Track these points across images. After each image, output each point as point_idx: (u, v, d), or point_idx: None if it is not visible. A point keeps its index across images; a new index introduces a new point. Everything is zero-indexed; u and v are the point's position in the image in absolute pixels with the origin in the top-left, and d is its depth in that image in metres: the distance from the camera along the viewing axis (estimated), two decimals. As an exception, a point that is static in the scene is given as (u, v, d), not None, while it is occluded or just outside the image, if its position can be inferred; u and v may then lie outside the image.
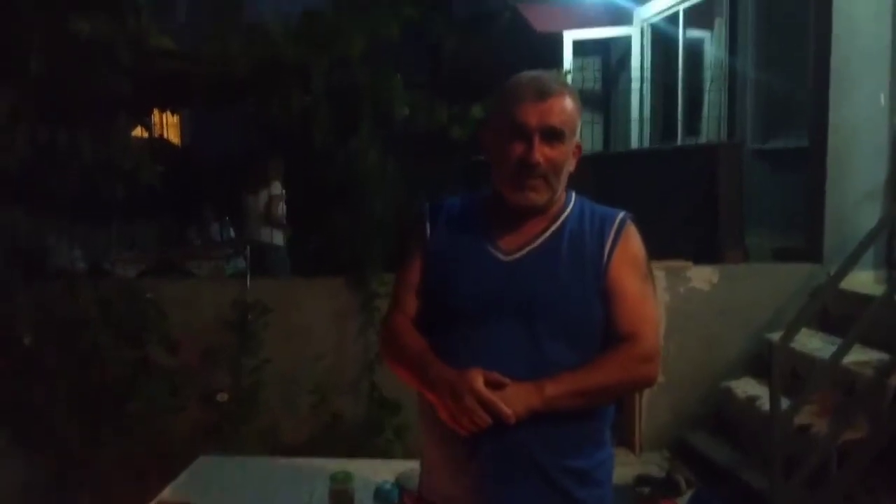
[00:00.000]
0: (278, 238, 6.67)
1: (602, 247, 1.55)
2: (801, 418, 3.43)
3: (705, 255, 4.62)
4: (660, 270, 4.32)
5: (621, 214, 1.61)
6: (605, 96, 9.09)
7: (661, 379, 4.28)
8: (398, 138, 4.51)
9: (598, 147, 8.51)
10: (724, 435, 4.12)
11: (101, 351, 3.64)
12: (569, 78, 7.94)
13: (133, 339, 3.68)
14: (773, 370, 3.21)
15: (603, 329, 1.54)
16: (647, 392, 4.27)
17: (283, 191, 6.70)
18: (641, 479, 3.96)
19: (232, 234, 7.92)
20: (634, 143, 8.11)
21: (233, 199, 7.95)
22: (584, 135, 8.36)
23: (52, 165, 2.94)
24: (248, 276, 4.31)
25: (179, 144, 11.81)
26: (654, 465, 4.11)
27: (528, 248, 1.56)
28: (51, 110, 2.94)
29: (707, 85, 7.18)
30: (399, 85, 4.06)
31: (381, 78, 4.06)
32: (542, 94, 1.52)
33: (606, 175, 6.32)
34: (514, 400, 1.43)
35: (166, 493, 2.31)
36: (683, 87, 7.55)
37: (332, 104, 4.01)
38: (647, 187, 5.68)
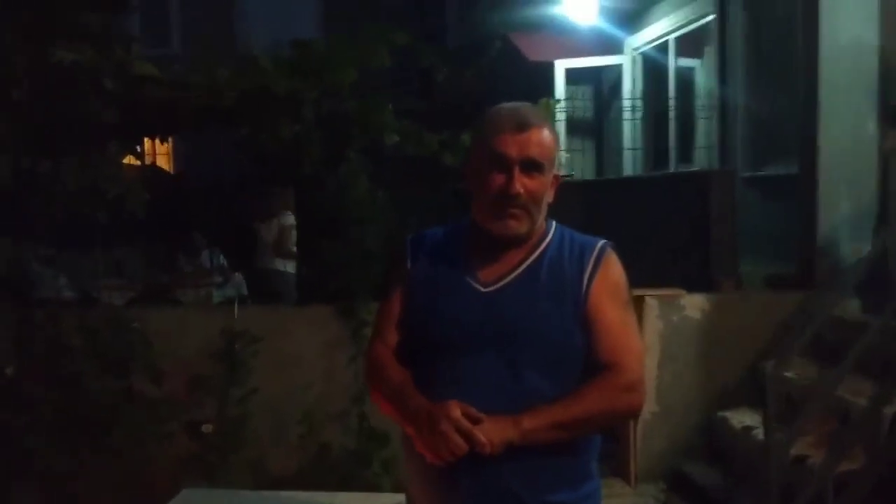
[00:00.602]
0: (290, 266, 6.68)
1: (581, 275, 1.54)
2: (797, 449, 3.38)
3: (698, 283, 4.60)
4: (653, 299, 4.29)
5: (601, 243, 1.60)
6: (596, 124, 9.15)
7: (655, 408, 4.30)
8: (389, 166, 4.50)
9: (590, 175, 8.54)
10: (719, 465, 4.06)
11: (84, 380, 3.57)
12: (560, 107, 8.00)
13: (118, 369, 3.62)
14: (767, 399, 3.17)
15: (584, 358, 1.52)
16: (642, 422, 4.22)
17: (294, 220, 6.72)
18: (635, 512, 3.90)
19: (222, 261, 7.86)
20: (627, 171, 8.13)
21: (224, 227, 7.93)
22: (576, 163, 8.40)
23: (35, 192, 2.90)
24: (237, 305, 4.27)
25: (171, 171, 11.81)
26: (650, 496, 4.05)
27: (507, 279, 1.55)
28: (35, 137, 2.92)
29: (698, 113, 7.22)
30: (389, 113, 4.06)
31: (372, 106, 4.06)
32: (522, 126, 1.53)
33: (598, 202, 6.33)
34: (491, 433, 1.41)
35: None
36: (675, 116, 7.60)
37: (322, 133, 4.01)
38: (640, 215, 5.68)
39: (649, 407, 4.30)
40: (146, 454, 3.71)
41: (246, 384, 3.98)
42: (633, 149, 8.11)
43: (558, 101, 8.02)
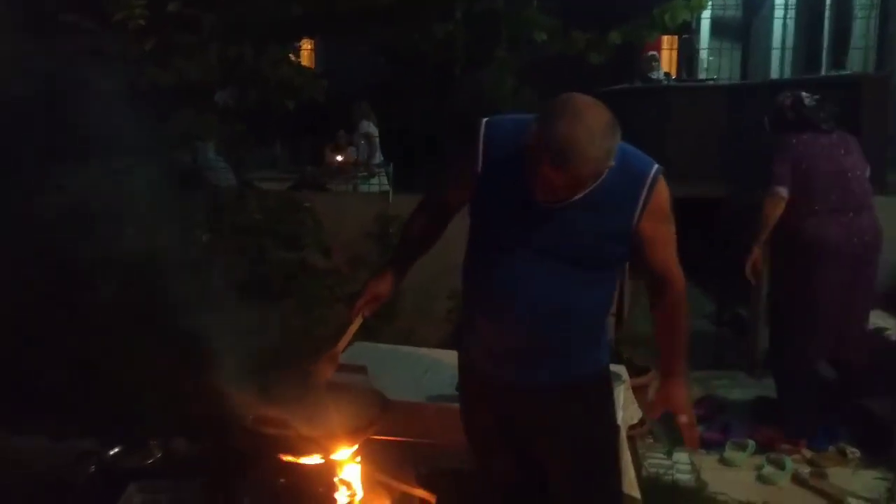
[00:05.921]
0: None
1: (636, 202, 1.82)
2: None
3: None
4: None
5: (654, 170, 1.84)
6: (745, 23, 8.75)
7: (786, 307, 4.34)
8: (533, 66, 4.60)
9: (736, 76, 8.26)
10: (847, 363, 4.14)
11: (265, 252, 4.11)
12: (708, 5, 7.68)
13: (292, 243, 4.13)
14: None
15: (617, 262, 1.94)
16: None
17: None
18: (760, 401, 4.10)
19: (365, 156, 8.33)
20: (774, 73, 7.82)
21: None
22: (722, 64, 8.13)
23: (236, 80, 3.32)
24: (391, 193, 4.68)
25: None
26: (771, 389, 4.21)
27: (571, 200, 1.76)
28: (238, 30, 3.29)
29: (856, 11, 6.80)
30: (535, 9, 4.14)
31: (518, 3, 4.16)
32: (556, 161, 1.65)
33: (740, 107, 6.20)
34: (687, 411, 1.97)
35: (340, 347, 2.25)
36: (831, 14, 7.19)
37: (469, 31, 4.15)
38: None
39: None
40: (314, 318, 4.26)
41: (398, 263, 4.40)
42: (783, 49, 7.74)
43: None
